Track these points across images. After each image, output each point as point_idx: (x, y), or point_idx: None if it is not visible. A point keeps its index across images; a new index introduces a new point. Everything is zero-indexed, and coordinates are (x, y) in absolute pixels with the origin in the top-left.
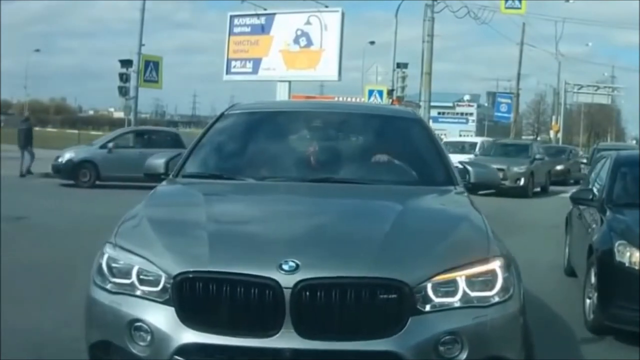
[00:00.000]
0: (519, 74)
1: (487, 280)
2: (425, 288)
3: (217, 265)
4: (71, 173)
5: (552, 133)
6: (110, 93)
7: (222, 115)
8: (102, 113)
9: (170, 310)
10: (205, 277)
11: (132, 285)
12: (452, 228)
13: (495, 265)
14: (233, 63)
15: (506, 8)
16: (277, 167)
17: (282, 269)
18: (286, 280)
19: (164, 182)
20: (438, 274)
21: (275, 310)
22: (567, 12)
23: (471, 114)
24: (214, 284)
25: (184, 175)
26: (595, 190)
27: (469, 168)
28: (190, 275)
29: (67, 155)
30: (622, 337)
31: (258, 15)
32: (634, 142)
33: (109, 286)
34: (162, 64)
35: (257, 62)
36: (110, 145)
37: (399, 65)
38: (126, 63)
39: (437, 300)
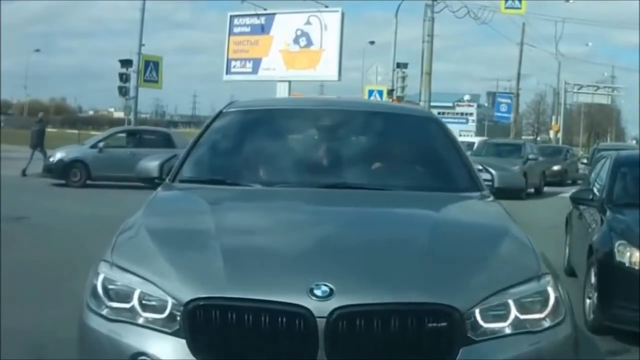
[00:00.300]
0: (519, 74)
1: (537, 301)
2: (474, 313)
3: (236, 290)
4: (62, 173)
5: (552, 133)
6: (110, 93)
7: (220, 113)
8: (102, 113)
9: (181, 343)
10: (223, 305)
11: (132, 310)
12: (496, 242)
13: (547, 283)
14: (233, 63)
15: (506, 8)
16: (285, 171)
17: (314, 295)
18: (320, 308)
19: (160, 188)
20: (489, 296)
21: (306, 343)
22: (567, 12)
23: (471, 114)
24: (234, 312)
25: (181, 180)
26: (595, 190)
27: (493, 171)
28: (205, 303)
29: (58, 155)
30: (622, 337)
31: (258, 15)
32: (634, 142)
33: (105, 312)
34: (162, 64)
35: (257, 62)
36: (101, 145)
37: (399, 65)
38: (126, 63)
39: (486, 326)
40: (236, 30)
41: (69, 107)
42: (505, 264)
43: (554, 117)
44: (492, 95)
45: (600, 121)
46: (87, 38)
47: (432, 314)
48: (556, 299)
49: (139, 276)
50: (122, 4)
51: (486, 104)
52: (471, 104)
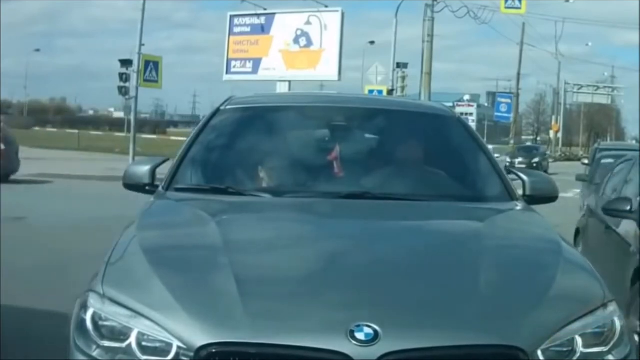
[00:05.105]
0: (519, 74)
1: (601, 333)
2: (539, 353)
3: (260, 333)
4: None
5: (552, 133)
6: (110, 93)
7: (217, 110)
8: (102, 113)
9: None
10: (244, 352)
11: (129, 351)
12: (555, 267)
13: (614, 313)
14: (233, 63)
15: (506, 8)
16: (296, 179)
17: (356, 339)
18: (363, 355)
19: (153, 199)
20: (556, 332)
21: None
22: (567, 12)
23: (471, 114)
24: None
25: (177, 189)
26: (634, 200)
27: (524, 177)
28: (223, 349)
29: None
30: None
31: (258, 15)
32: (634, 142)
33: (96, 352)
34: (162, 64)
35: (257, 62)
36: None
37: (399, 65)
38: (126, 63)
39: None
40: (236, 30)
41: (69, 107)
42: (570, 294)
43: (554, 117)
44: (492, 95)
45: (600, 121)
46: (87, 38)
47: (496, 357)
48: (622, 329)
49: (136, 312)
50: (122, 4)
51: (486, 104)
52: (471, 104)
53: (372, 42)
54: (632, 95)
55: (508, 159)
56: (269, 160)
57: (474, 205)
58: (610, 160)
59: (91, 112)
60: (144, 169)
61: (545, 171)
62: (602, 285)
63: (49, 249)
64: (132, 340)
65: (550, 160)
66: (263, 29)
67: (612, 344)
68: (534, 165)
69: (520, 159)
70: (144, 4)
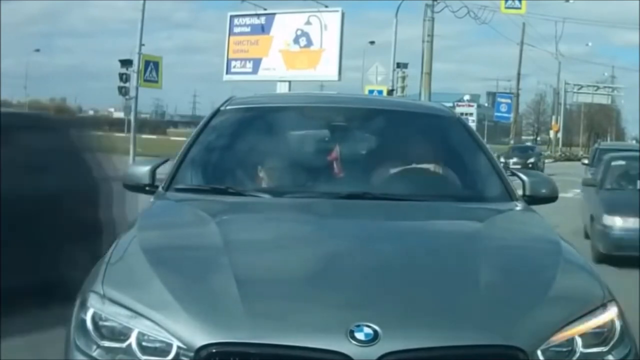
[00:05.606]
0: (519, 74)
1: (601, 333)
2: (539, 353)
3: (260, 333)
4: None
5: (552, 133)
6: (110, 93)
7: (217, 111)
8: (102, 113)
9: None
10: (244, 352)
11: (129, 351)
12: (554, 267)
13: (613, 313)
14: (233, 63)
15: (506, 8)
16: (296, 179)
17: (355, 339)
18: (363, 355)
19: (153, 199)
20: (556, 332)
21: None
22: (567, 12)
23: (471, 114)
24: None
25: (177, 189)
26: None
27: (524, 177)
28: (223, 349)
29: None
30: None
31: (258, 15)
32: (634, 142)
33: (96, 353)
34: (162, 64)
35: (257, 62)
36: None
37: (399, 65)
38: (126, 63)
39: None
40: (236, 30)
41: (69, 107)
42: (570, 294)
43: (554, 117)
44: (492, 95)
45: (600, 121)
46: (87, 38)
47: (496, 357)
48: (622, 329)
49: (136, 312)
50: (122, 4)
51: (486, 104)
52: (471, 104)
53: (372, 42)
54: (632, 95)
55: (502, 159)
56: (269, 160)
57: (474, 205)
58: (622, 163)
59: (91, 112)
60: (144, 170)
61: (541, 171)
62: (601, 285)
63: None
64: (132, 340)
65: (550, 160)
66: (263, 29)
67: (611, 344)
68: (529, 165)
69: (515, 159)
70: (144, 4)
